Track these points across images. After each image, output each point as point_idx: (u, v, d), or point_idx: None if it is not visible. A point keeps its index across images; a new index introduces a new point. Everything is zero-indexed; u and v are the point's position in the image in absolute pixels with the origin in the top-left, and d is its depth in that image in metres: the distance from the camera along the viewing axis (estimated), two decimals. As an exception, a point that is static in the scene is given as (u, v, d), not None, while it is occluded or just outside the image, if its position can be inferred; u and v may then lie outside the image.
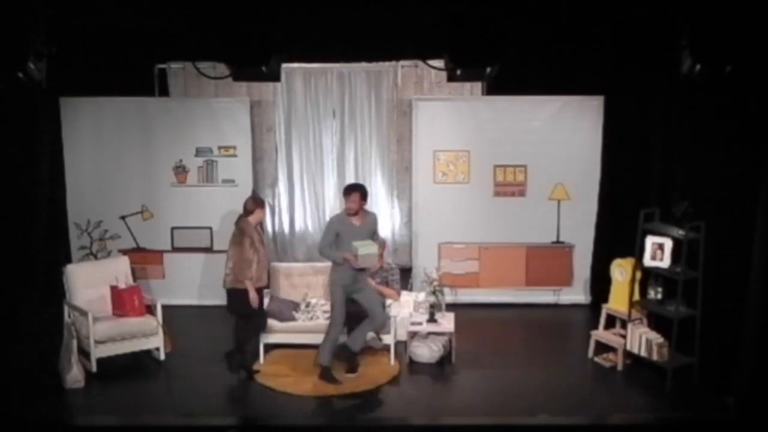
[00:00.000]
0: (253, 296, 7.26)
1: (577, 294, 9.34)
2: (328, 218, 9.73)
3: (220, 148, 9.19)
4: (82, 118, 9.05)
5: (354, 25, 7.50)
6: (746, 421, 6.62)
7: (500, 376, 7.49)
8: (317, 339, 7.83)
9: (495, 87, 8.89)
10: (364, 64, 9.34)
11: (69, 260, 8.88)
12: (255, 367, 7.57)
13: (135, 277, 8.35)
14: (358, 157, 9.63)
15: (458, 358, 7.79)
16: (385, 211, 9.76)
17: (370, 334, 7.53)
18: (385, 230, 9.80)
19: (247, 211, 7.39)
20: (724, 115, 7.31)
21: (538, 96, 8.97)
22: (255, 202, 7.46)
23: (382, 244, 7.86)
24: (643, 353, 7.41)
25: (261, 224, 7.65)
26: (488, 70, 6.31)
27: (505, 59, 6.23)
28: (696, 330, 7.17)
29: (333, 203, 9.75)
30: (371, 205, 9.66)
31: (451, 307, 8.34)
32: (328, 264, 8.65)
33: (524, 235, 9.13)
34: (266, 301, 8.02)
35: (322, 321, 7.87)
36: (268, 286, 7.61)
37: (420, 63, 9.18)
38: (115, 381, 7.42)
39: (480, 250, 9.32)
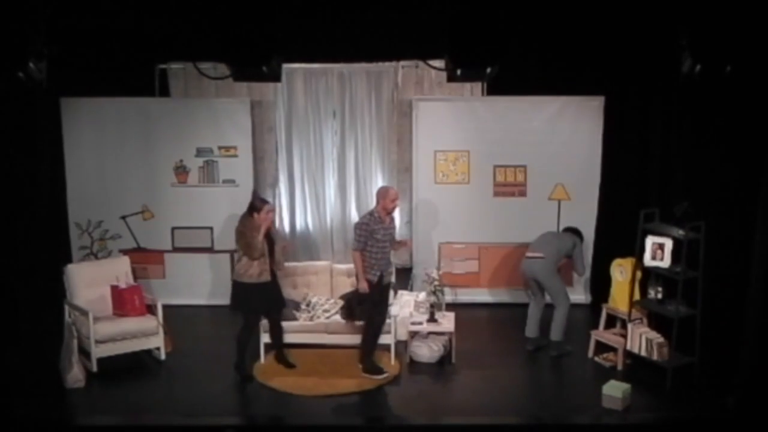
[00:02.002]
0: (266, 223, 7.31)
1: (577, 294, 9.32)
2: (328, 218, 9.79)
3: (220, 148, 9.19)
4: (83, 118, 9.05)
5: (354, 25, 7.51)
6: (746, 421, 6.62)
7: (500, 376, 7.49)
8: (317, 339, 7.86)
9: (495, 87, 8.90)
10: (364, 65, 9.34)
11: (69, 260, 8.88)
12: (252, 371, 7.54)
13: (135, 277, 8.35)
14: (358, 157, 9.63)
15: (458, 358, 7.79)
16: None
17: None
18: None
19: (251, 212, 7.41)
20: (724, 115, 7.32)
21: (538, 96, 8.97)
22: (262, 204, 7.46)
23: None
24: (643, 353, 7.42)
25: (272, 224, 7.61)
26: (488, 70, 6.31)
27: (505, 59, 6.23)
28: (696, 330, 7.18)
29: (333, 203, 9.74)
30: (372, 206, 9.70)
31: (451, 307, 8.35)
32: (326, 263, 8.70)
33: (524, 235, 9.10)
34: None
35: (323, 320, 7.89)
36: (271, 283, 7.51)
37: (420, 63, 9.18)
38: (115, 381, 7.42)
39: (480, 250, 9.32)
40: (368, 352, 7.45)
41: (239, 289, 7.36)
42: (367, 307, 7.45)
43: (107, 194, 9.19)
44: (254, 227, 7.28)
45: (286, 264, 8.74)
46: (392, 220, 7.52)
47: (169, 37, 7.99)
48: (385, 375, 7.38)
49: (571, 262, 8.20)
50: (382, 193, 7.42)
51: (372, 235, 7.27)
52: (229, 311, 7.56)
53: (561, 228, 8.71)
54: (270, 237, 7.43)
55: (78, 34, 7.37)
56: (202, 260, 9.33)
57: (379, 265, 7.33)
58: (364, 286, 7.31)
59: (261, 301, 7.40)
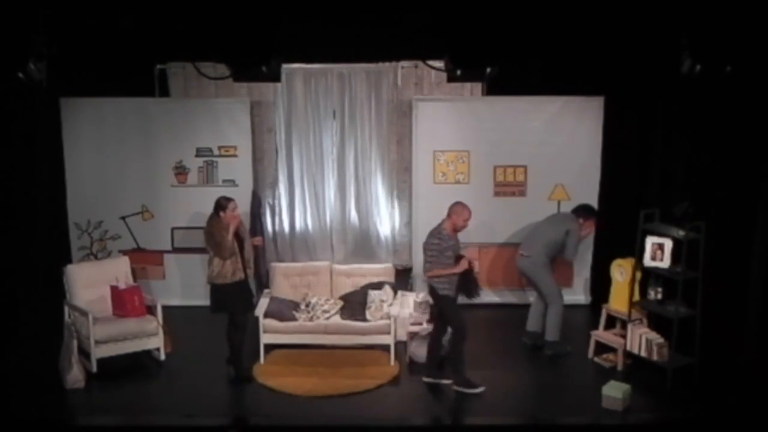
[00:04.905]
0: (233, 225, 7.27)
1: (577, 294, 9.34)
2: (328, 218, 9.79)
3: (220, 148, 9.19)
4: (82, 118, 9.05)
5: (354, 25, 7.49)
6: (746, 421, 6.62)
7: (500, 376, 7.48)
8: (317, 339, 7.87)
9: (495, 87, 8.88)
10: (364, 65, 9.33)
11: (69, 260, 8.87)
12: (252, 371, 7.55)
13: (135, 278, 8.36)
14: (358, 157, 9.62)
15: (458, 358, 7.79)
16: (386, 212, 9.75)
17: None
18: (385, 230, 9.80)
19: (217, 212, 7.37)
20: (724, 115, 7.32)
21: (538, 96, 8.97)
22: (226, 201, 7.40)
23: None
24: (643, 353, 7.42)
25: (240, 222, 7.54)
26: (488, 70, 6.32)
27: (505, 59, 6.24)
28: (696, 330, 7.18)
29: (333, 203, 9.74)
30: (372, 206, 9.72)
31: (451, 307, 8.34)
32: (326, 263, 8.69)
33: (524, 236, 9.11)
34: (263, 301, 8.05)
35: (322, 321, 7.89)
36: (245, 281, 7.49)
37: (420, 63, 9.18)
38: (115, 381, 7.42)
39: (480, 250, 9.31)
40: (462, 366, 7.23)
41: (216, 291, 7.37)
42: (458, 317, 7.22)
43: (107, 194, 9.19)
44: (222, 227, 7.27)
45: (285, 264, 8.79)
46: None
47: (169, 37, 7.97)
48: (481, 389, 7.15)
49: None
50: (457, 210, 7.20)
51: (442, 254, 7.09)
52: (212, 313, 7.51)
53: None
54: (239, 235, 7.43)
55: (78, 34, 7.36)
56: (202, 261, 9.31)
57: (450, 281, 7.15)
58: (463, 266, 7.08)
59: (240, 300, 7.41)
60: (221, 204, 7.37)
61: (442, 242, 7.09)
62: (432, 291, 7.25)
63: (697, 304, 7.16)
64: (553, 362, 7.83)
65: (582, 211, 8.26)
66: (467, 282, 7.24)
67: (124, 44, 8.20)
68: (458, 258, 7.15)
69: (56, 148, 9.00)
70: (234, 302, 7.36)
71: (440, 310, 7.32)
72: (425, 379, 7.37)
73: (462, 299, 9.08)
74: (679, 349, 7.25)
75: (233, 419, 6.97)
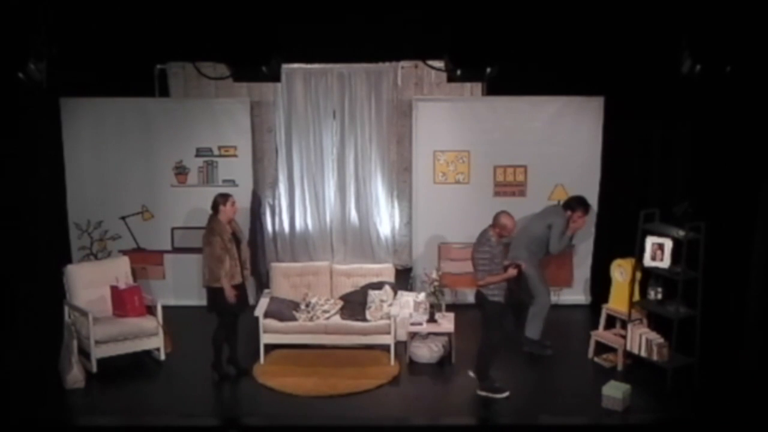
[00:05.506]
0: (229, 293, 7.27)
1: (577, 294, 9.34)
2: (328, 218, 9.79)
3: (220, 148, 9.19)
4: (82, 118, 9.04)
5: (354, 25, 7.50)
6: (746, 422, 6.62)
7: (500, 376, 7.47)
8: (317, 339, 7.87)
9: (495, 87, 8.88)
10: (364, 65, 9.33)
11: (69, 260, 8.87)
12: (252, 371, 7.58)
13: (135, 278, 8.37)
14: (358, 157, 9.62)
15: (458, 358, 7.79)
16: (385, 212, 9.75)
17: None
18: (385, 230, 9.79)
19: (216, 209, 7.38)
20: (724, 115, 7.32)
21: (538, 96, 8.97)
22: (223, 198, 7.41)
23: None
24: (643, 353, 7.42)
25: (234, 222, 7.57)
26: (488, 70, 6.31)
27: (505, 59, 6.24)
28: (696, 330, 7.18)
29: (333, 203, 9.74)
30: (372, 206, 9.72)
31: (451, 307, 8.35)
32: (326, 263, 8.69)
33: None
34: (263, 301, 8.05)
35: (322, 321, 7.89)
36: (243, 284, 7.53)
37: (420, 63, 9.18)
38: (115, 381, 7.43)
39: (480, 250, 9.30)
40: (487, 372, 7.23)
41: (213, 293, 7.38)
42: (500, 326, 7.23)
43: (107, 195, 9.18)
44: (221, 229, 7.28)
45: (285, 264, 8.79)
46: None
47: (168, 37, 7.98)
48: (506, 394, 7.15)
49: (569, 254, 8.20)
50: (501, 223, 7.15)
51: (493, 261, 7.08)
52: (208, 313, 7.53)
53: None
54: (236, 236, 7.44)
55: (78, 34, 7.36)
56: (202, 261, 9.30)
57: (501, 287, 7.14)
58: (513, 272, 7.13)
59: (237, 302, 7.42)
60: (218, 201, 7.38)
61: (492, 249, 7.09)
62: (480, 297, 7.19)
63: (697, 304, 7.16)
64: (554, 362, 7.82)
65: (573, 203, 8.21)
66: (519, 290, 7.30)
67: (124, 44, 8.20)
68: (507, 267, 7.16)
69: (56, 148, 9.00)
70: (232, 305, 7.36)
71: (486, 316, 7.22)
72: (480, 393, 7.19)
73: (465, 299, 9.10)
74: (679, 349, 7.25)
75: (233, 419, 6.97)
